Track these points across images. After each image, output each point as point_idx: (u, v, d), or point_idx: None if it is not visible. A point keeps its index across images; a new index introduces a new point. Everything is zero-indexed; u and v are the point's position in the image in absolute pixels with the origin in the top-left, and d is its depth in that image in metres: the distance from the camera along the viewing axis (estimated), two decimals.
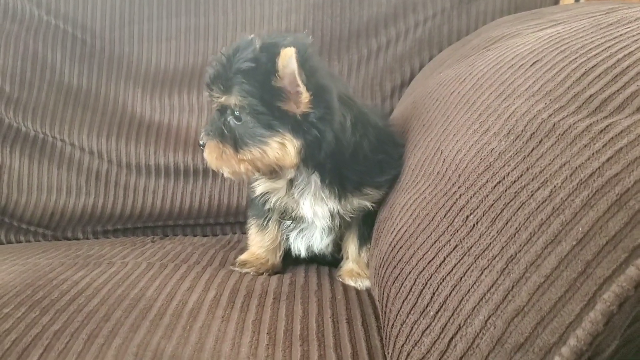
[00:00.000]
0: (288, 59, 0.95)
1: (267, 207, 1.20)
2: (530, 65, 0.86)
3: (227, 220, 1.71)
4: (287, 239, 1.25)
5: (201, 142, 1.09)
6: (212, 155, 1.07)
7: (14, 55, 1.73)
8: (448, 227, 0.75)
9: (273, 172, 1.07)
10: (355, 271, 1.18)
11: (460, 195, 0.77)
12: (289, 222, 1.23)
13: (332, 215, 1.15)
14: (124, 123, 1.74)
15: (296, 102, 1.00)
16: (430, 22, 1.78)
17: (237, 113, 1.03)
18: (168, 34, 1.80)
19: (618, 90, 0.68)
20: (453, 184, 0.81)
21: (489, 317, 0.59)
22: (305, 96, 0.99)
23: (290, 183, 1.13)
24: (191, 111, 1.76)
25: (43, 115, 1.72)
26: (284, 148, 1.02)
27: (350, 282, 1.15)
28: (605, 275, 0.50)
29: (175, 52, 1.79)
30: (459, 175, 0.80)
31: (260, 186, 1.18)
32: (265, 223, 1.23)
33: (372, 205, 1.14)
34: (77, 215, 1.68)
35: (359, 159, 1.10)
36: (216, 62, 1.05)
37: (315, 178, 1.11)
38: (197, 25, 1.80)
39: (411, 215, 0.88)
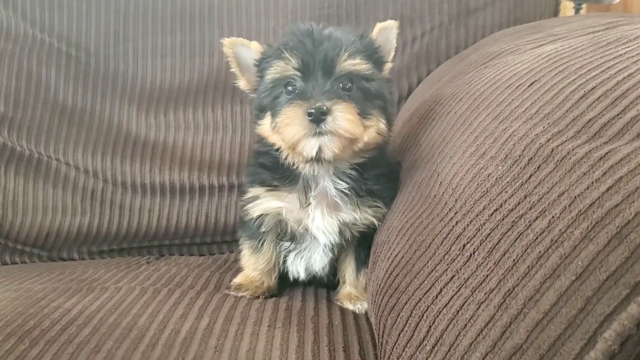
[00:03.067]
0: (392, 29, 1.13)
1: (262, 229, 1.17)
2: (528, 86, 0.84)
3: (223, 239, 1.70)
4: (285, 260, 1.22)
5: (326, 105, 0.96)
6: (348, 115, 0.97)
7: (8, 74, 1.72)
8: (445, 255, 0.73)
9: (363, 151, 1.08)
10: (353, 295, 1.16)
11: (457, 222, 0.75)
12: (287, 244, 1.19)
13: (340, 231, 1.12)
14: (119, 141, 1.72)
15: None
16: (428, 37, 1.78)
17: (348, 84, 1.02)
18: (163, 50, 1.79)
19: (618, 114, 0.66)
20: (450, 209, 0.79)
21: (486, 354, 0.57)
22: (391, 59, 1.16)
23: (304, 194, 1.10)
24: (187, 129, 1.74)
25: (38, 134, 1.71)
26: (382, 122, 1.07)
27: (349, 306, 1.14)
28: (606, 313, 0.48)
29: (171, 69, 1.78)
30: (456, 200, 0.79)
31: (257, 208, 1.15)
32: (259, 245, 1.20)
33: (378, 222, 1.11)
34: (73, 236, 1.66)
35: (376, 166, 1.12)
36: (317, 34, 1.04)
37: (330, 186, 1.09)
38: (192, 41, 1.79)
39: (407, 240, 0.86)
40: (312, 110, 0.95)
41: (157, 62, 1.79)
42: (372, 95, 1.05)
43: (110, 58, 1.79)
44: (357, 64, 1.02)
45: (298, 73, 1.02)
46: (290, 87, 1.03)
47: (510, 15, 1.76)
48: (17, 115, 1.70)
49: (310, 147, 0.99)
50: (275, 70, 1.03)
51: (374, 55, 1.08)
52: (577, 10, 1.97)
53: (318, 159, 1.01)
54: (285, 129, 1.00)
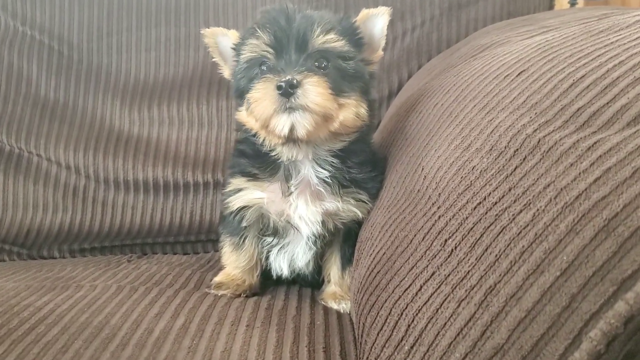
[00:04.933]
0: (382, 15, 1.10)
1: (243, 224, 1.14)
2: (516, 76, 0.81)
3: (208, 237, 1.67)
4: (267, 257, 1.19)
5: (296, 78, 0.93)
6: (319, 88, 0.95)
7: None
8: (426, 251, 0.70)
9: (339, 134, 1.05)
10: (338, 294, 1.13)
11: (439, 216, 0.72)
12: (270, 239, 1.16)
13: (323, 222, 1.09)
14: (101, 137, 1.69)
15: (369, 55, 1.11)
16: (419, 30, 1.75)
17: (324, 62, 1.00)
18: (147, 44, 1.76)
19: (607, 103, 0.63)
20: (433, 204, 0.76)
21: (466, 355, 0.54)
22: (381, 48, 1.13)
23: (286, 183, 1.07)
24: (171, 124, 1.72)
25: (18, 129, 1.68)
26: (362, 106, 1.05)
27: (333, 305, 1.11)
28: (592, 311, 0.46)
29: (155, 63, 1.76)
30: (439, 194, 0.76)
31: (238, 200, 1.12)
32: (241, 241, 1.17)
33: (361, 215, 1.08)
34: (54, 233, 1.63)
35: (358, 153, 1.09)
36: (292, 12, 1.01)
37: (311, 174, 1.07)
38: (177, 35, 1.76)
39: (390, 236, 0.83)
40: (282, 84, 0.93)
41: (142, 56, 1.76)
42: (349, 75, 1.02)
43: (93, 52, 1.76)
44: (330, 40, 1.00)
45: (270, 50, 1.00)
46: (264, 67, 1.01)
47: (503, 9, 1.74)
48: None
49: (281, 124, 0.96)
50: (249, 48, 1.02)
51: (351, 35, 1.06)
52: (573, 4, 1.94)
53: (293, 138, 0.99)
54: (256, 106, 0.98)
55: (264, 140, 1.04)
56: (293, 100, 0.93)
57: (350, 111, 1.01)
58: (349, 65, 1.02)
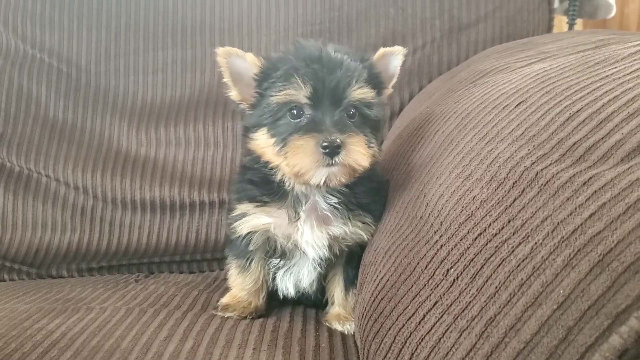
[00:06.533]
0: (397, 55, 1.16)
1: (250, 247, 1.15)
2: (515, 107, 0.83)
3: (213, 256, 1.68)
4: (274, 279, 1.21)
5: (339, 139, 0.95)
6: (360, 149, 0.98)
7: None
8: (429, 280, 0.72)
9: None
10: (342, 315, 1.14)
11: (442, 245, 0.74)
12: (276, 261, 1.18)
13: (329, 245, 1.11)
14: (109, 158, 1.71)
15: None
16: (420, 53, 1.77)
17: (352, 111, 1.03)
18: (154, 66, 1.78)
19: (602, 138, 0.65)
20: (435, 232, 0.78)
21: None
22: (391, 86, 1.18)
23: (294, 209, 1.09)
24: (178, 145, 1.73)
25: (28, 150, 1.70)
26: (377, 145, 1.08)
27: (338, 326, 1.12)
28: (588, 344, 0.47)
29: (162, 85, 1.78)
30: (441, 222, 0.78)
31: (245, 225, 1.13)
32: (247, 264, 1.18)
33: (367, 237, 1.10)
34: (62, 253, 1.65)
35: (366, 182, 1.10)
36: (324, 60, 1.02)
37: (321, 201, 1.09)
38: (183, 57, 1.78)
39: (393, 262, 0.85)
40: (327, 144, 0.95)
41: (149, 78, 1.78)
42: (371, 120, 1.05)
43: (101, 74, 1.78)
44: (364, 93, 1.02)
45: (309, 102, 1.00)
46: (294, 111, 1.02)
47: (502, 31, 1.76)
48: (7, 131, 1.70)
49: (319, 176, 0.99)
50: (285, 94, 1.01)
51: (375, 81, 1.08)
52: (571, 25, 1.96)
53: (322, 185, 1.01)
54: (296, 158, 0.98)
55: (282, 176, 1.06)
56: (336, 159, 0.96)
57: (372, 156, 1.04)
58: (372, 112, 1.05)
